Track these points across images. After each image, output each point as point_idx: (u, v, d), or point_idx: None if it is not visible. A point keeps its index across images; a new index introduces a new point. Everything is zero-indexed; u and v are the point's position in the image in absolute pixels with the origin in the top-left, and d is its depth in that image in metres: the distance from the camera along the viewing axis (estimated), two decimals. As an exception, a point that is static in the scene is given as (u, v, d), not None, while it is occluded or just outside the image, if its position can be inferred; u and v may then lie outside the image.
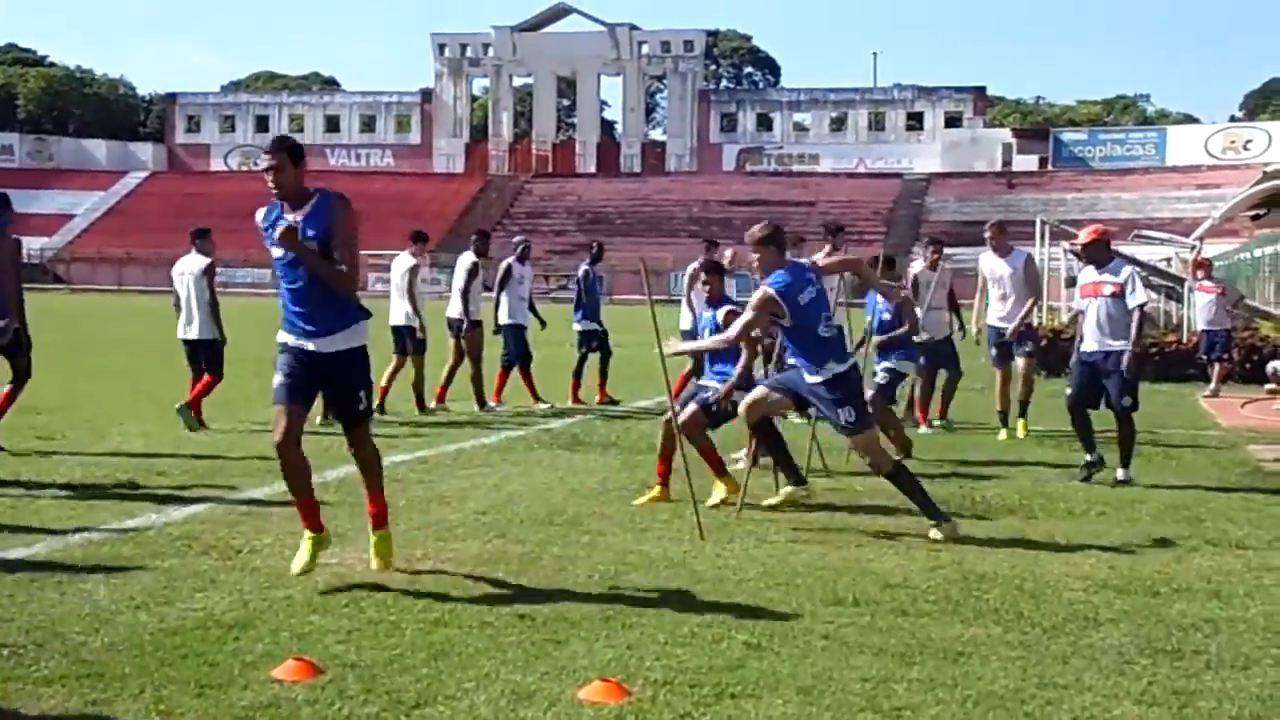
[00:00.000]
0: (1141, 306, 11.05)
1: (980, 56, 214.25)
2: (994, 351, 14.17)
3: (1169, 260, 33.39)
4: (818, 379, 8.84)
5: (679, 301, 16.21)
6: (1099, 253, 11.38)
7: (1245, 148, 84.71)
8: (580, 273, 17.32)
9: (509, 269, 16.43)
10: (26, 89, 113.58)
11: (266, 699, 5.19)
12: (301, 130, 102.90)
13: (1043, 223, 24.87)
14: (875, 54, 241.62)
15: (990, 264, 14.17)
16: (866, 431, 8.97)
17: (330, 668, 5.55)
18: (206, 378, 13.72)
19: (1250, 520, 9.46)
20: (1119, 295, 11.03)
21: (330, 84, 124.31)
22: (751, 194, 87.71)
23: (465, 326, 15.86)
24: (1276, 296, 31.04)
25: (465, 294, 15.87)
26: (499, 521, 8.88)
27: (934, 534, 8.56)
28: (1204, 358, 20.87)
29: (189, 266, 14.13)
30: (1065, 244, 25.74)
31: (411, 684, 5.41)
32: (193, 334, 13.89)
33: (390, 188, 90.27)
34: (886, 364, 12.84)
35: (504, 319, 16.40)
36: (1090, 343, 11.18)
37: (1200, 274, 22.03)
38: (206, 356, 13.82)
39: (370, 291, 15.49)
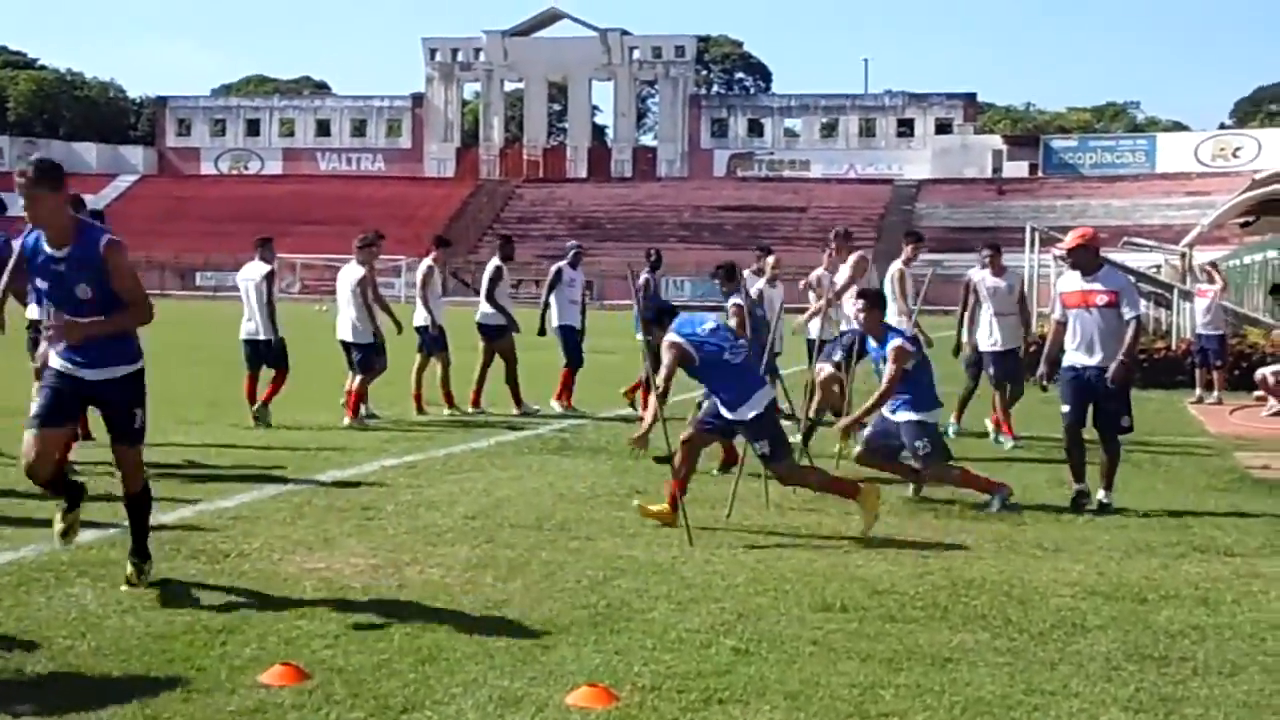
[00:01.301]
0: (1138, 318, 10.24)
1: (971, 63, 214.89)
2: (993, 370, 14.00)
3: (1158, 268, 33.47)
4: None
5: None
6: (1086, 258, 10.32)
7: (1235, 155, 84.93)
8: (640, 281, 17.15)
9: (559, 272, 16.72)
10: (16, 91, 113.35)
11: (253, 704, 5.18)
12: (292, 134, 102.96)
13: (1033, 229, 24.90)
14: (866, 60, 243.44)
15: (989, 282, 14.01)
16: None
17: (317, 672, 5.55)
18: (277, 375, 14.46)
19: (1238, 527, 9.48)
20: (1112, 305, 10.06)
21: (321, 88, 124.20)
22: (742, 199, 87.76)
23: (492, 330, 16.21)
24: (1265, 304, 31.11)
25: (491, 298, 16.18)
26: (487, 526, 8.88)
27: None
28: (1192, 362, 20.89)
29: (251, 273, 14.78)
30: (1055, 250, 25.77)
31: (399, 689, 5.40)
32: (253, 334, 14.64)
33: (380, 192, 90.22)
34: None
35: (554, 321, 16.71)
36: (1078, 357, 10.21)
37: (1204, 277, 22.01)
38: (268, 355, 14.57)
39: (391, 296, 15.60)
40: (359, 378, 14.68)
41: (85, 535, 8.12)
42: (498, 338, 16.18)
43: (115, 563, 7.44)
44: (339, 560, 7.68)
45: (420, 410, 15.59)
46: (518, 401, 16.13)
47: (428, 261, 16.20)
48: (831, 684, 5.58)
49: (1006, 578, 7.66)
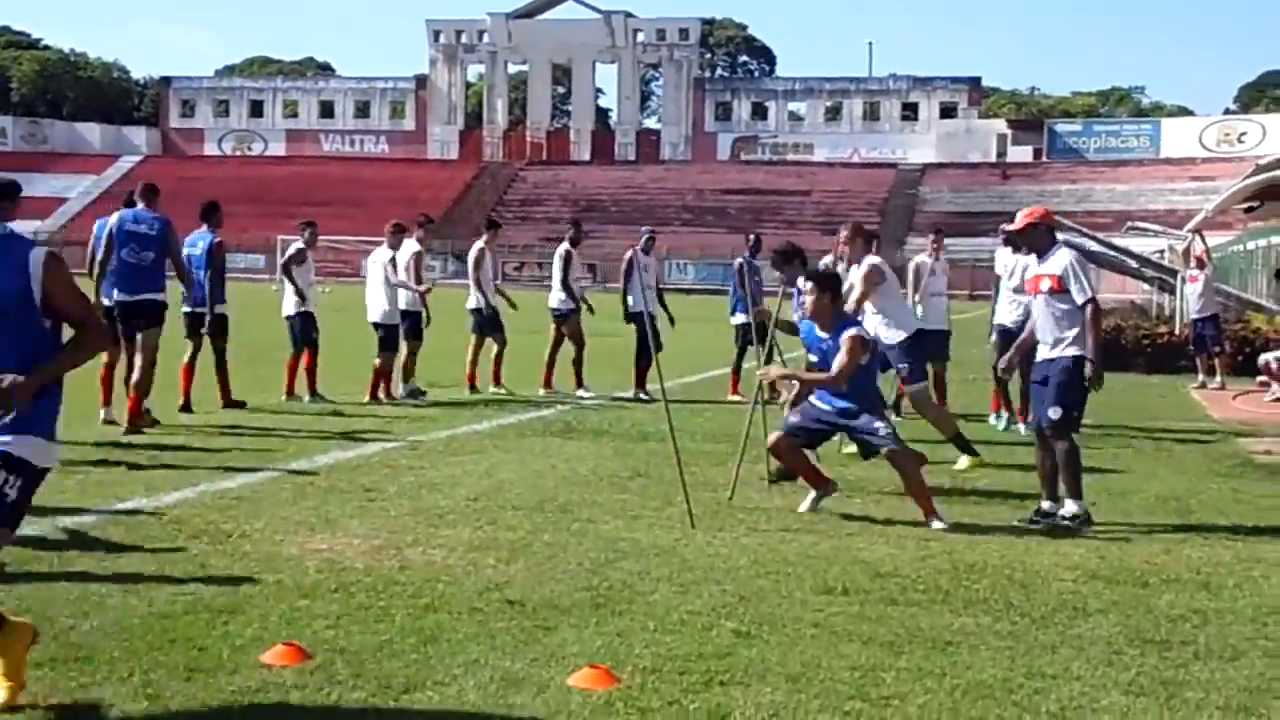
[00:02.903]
0: (1092, 301, 8.85)
1: (975, 47, 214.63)
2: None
3: (1163, 253, 33.40)
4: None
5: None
6: (1037, 239, 9.19)
7: (1239, 140, 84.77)
8: (736, 265, 16.90)
9: (633, 259, 16.61)
10: (20, 72, 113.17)
11: (255, 684, 5.19)
12: (296, 115, 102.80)
13: (1036, 214, 24.87)
14: (870, 44, 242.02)
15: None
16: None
17: (319, 653, 5.55)
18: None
19: (1240, 512, 9.49)
20: (1057, 291, 8.87)
21: (325, 69, 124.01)
22: (746, 183, 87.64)
23: (563, 314, 16.53)
24: (1269, 289, 31.07)
25: (565, 283, 16.50)
26: (490, 508, 8.88)
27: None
28: (1190, 349, 20.90)
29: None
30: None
31: (400, 669, 5.41)
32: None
33: (384, 174, 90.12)
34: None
35: (630, 308, 16.57)
36: (1039, 350, 9.09)
37: (1195, 263, 22.00)
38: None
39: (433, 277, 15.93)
40: (381, 357, 15.12)
41: (86, 517, 8.15)
42: (567, 321, 16.49)
43: (117, 541, 7.46)
44: (341, 541, 7.69)
45: (473, 389, 16.02)
46: (579, 382, 16.34)
47: (480, 244, 16.62)
48: (832, 666, 5.59)
49: (1008, 561, 7.67)
